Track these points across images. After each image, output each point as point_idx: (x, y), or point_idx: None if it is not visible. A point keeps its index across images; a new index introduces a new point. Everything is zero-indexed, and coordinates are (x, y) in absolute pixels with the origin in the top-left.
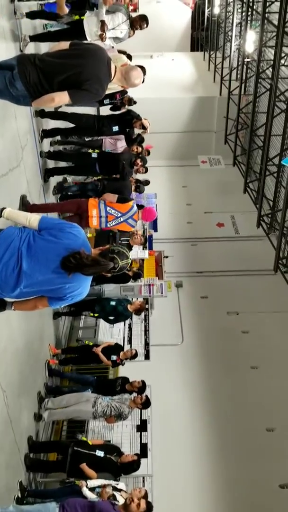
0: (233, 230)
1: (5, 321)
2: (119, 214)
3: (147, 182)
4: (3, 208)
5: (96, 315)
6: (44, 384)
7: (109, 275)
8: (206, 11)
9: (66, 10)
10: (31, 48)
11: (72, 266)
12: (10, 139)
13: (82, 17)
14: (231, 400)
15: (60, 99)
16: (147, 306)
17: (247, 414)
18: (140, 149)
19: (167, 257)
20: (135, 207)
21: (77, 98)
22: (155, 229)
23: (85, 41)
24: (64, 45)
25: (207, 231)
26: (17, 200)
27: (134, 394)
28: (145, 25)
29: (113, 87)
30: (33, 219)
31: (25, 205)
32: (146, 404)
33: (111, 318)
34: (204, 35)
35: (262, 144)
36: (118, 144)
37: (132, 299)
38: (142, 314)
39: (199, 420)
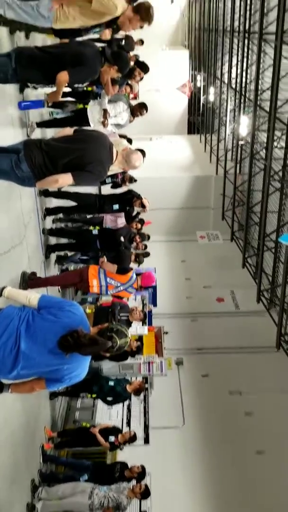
0: (233, 305)
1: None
2: (119, 284)
3: (147, 254)
4: (4, 287)
5: (93, 396)
6: (38, 471)
7: (107, 354)
8: (202, 98)
9: (58, 98)
10: (37, 134)
11: (69, 345)
12: (15, 217)
13: (86, 106)
14: (238, 490)
15: (64, 181)
16: (146, 386)
17: (254, 505)
18: (139, 225)
19: (166, 333)
20: (134, 276)
21: (80, 179)
22: (155, 304)
23: (88, 128)
24: (69, 131)
25: (207, 306)
26: (18, 277)
27: (133, 482)
28: (145, 112)
29: (115, 169)
30: (32, 298)
31: (26, 282)
32: (146, 494)
33: (110, 399)
34: (200, 119)
35: (259, 220)
36: (119, 221)
37: (131, 378)
38: (142, 395)
39: (202, 510)
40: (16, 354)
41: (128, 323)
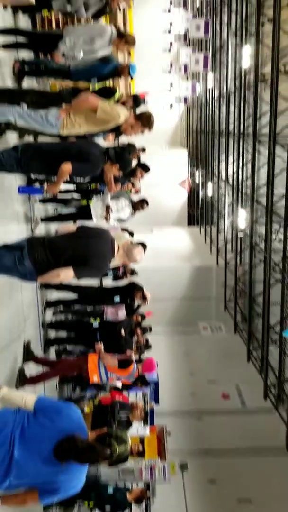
0: (239, 401)
1: None
2: (120, 377)
3: (148, 347)
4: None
5: (91, 505)
6: None
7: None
8: (201, 192)
9: (57, 191)
10: (41, 228)
11: (64, 451)
12: (14, 311)
13: (89, 202)
14: None
15: (65, 275)
16: (148, 494)
17: None
18: (140, 318)
19: (169, 434)
20: (135, 367)
21: (81, 274)
22: (157, 401)
23: (91, 224)
24: (73, 228)
25: (212, 402)
26: (14, 373)
27: None
28: (146, 206)
29: (116, 262)
30: (28, 400)
31: (22, 380)
32: None
33: (108, 509)
34: (199, 212)
35: (261, 311)
36: (120, 314)
37: (131, 484)
38: (143, 503)
39: None
40: (9, 462)
41: (129, 423)
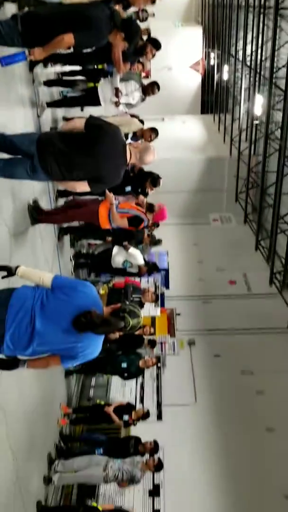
0: (246, 287)
1: (16, 381)
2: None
3: (159, 241)
4: (17, 266)
5: (108, 376)
6: (55, 445)
7: (117, 335)
8: (215, 76)
9: (42, 57)
10: (48, 113)
11: (83, 325)
12: (27, 198)
13: (96, 84)
14: (247, 464)
15: (82, 189)
16: (159, 365)
17: (264, 479)
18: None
19: (179, 314)
20: (146, 223)
21: (96, 188)
22: (167, 286)
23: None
24: (80, 124)
25: (219, 288)
26: (32, 259)
27: (146, 456)
28: (157, 91)
29: None
30: (46, 278)
31: (35, 217)
32: (159, 466)
33: (125, 375)
34: (213, 99)
35: (272, 202)
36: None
37: (144, 356)
38: (154, 373)
39: (214, 485)
40: (32, 332)
41: (141, 304)
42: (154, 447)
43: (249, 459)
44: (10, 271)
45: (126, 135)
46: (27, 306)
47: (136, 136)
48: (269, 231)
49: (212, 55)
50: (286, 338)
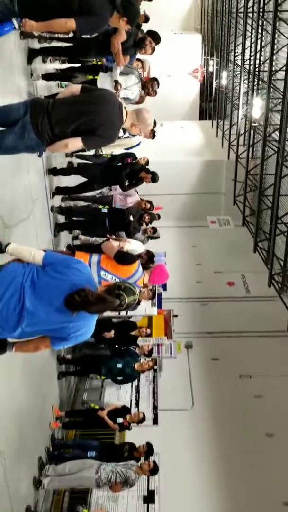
0: (244, 289)
1: (6, 380)
2: (117, 279)
3: (156, 237)
4: (8, 243)
5: (103, 377)
6: (46, 449)
7: (112, 334)
8: (214, 83)
9: (34, 29)
10: None
11: (76, 303)
12: (22, 191)
13: (95, 77)
14: (245, 470)
15: (74, 145)
16: (155, 367)
17: (263, 486)
18: (148, 205)
19: (176, 316)
20: (140, 270)
21: (90, 143)
22: (164, 288)
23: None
24: (76, 89)
25: (217, 290)
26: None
27: (142, 460)
28: (156, 86)
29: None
30: (37, 254)
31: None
32: (154, 470)
33: (120, 378)
34: (212, 105)
35: (271, 204)
36: (128, 200)
37: (140, 358)
38: (150, 376)
39: (211, 492)
40: (20, 311)
41: (137, 302)
42: (148, 449)
43: (247, 465)
44: (0, 248)
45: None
46: (16, 284)
47: None
48: (268, 233)
49: (211, 62)
50: (285, 341)
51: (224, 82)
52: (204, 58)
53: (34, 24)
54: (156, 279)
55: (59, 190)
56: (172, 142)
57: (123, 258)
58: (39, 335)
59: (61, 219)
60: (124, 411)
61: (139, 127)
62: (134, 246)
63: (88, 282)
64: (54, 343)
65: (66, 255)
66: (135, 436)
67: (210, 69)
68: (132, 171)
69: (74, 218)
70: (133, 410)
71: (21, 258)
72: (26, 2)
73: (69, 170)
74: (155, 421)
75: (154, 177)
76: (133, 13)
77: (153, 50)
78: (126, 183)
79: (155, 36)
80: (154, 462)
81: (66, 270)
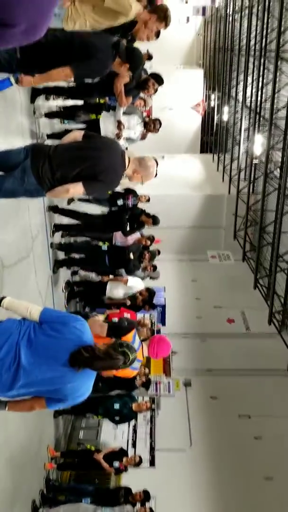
0: (244, 326)
1: (1, 419)
2: None
3: (156, 276)
4: (3, 297)
5: (99, 417)
6: (40, 491)
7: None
8: (215, 117)
9: (33, 84)
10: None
11: (83, 359)
12: (22, 230)
13: (98, 116)
14: None
15: (75, 190)
16: (153, 406)
17: None
18: (149, 242)
19: (175, 353)
20: (137, 341)
21: (91, 189)
22: (163, 323)
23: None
24: (79, 135)
25: (217, 326)
26: (24, 291)
27: (138, 506)
28: (158, 126)
29: (125, 182)
30: (34, 310)
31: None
32: None
33: (117, 418)
34: (213, 139)
35: (271, 240)
36: (129, 238)
37: (137, 397)
38: (148, 415)
39: None
40: (16, 370)
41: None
42: (145, 497)
43: (247, 510)
44: None
45: None
46: (11, 342)
47: None
48: (268, 269)
49: (212, 96)
50: (285, 381)
51: (225, 117)
52: (206, 93)
53: (31, 79)
54: (158, 351)
55: (57, 227)
56: (173, 175)
57: (117, 330)
58: (34, 395)
59: (61, 255)
60: (121, 453)
61: (140, 174)
62: (133, 283)
63: (87, 341)
64: (50, 404)
65: (65, 312)
66: (132, 478)
67: (212, 103)
68: (132, 215)
69: (75, 256)
70: (130, 450)
71: (17, 313)
72: (28, 46)
73: (69, 212)
74: (152, 463)
75: (155, 221)
76: (135, 61)
77: (155, 91)
78: (128, 228)
79: (158, 79)
80: (150, 508)
81: (64, 329)
